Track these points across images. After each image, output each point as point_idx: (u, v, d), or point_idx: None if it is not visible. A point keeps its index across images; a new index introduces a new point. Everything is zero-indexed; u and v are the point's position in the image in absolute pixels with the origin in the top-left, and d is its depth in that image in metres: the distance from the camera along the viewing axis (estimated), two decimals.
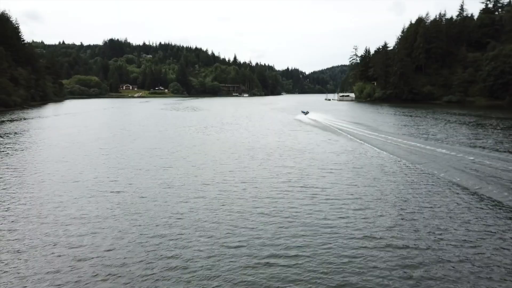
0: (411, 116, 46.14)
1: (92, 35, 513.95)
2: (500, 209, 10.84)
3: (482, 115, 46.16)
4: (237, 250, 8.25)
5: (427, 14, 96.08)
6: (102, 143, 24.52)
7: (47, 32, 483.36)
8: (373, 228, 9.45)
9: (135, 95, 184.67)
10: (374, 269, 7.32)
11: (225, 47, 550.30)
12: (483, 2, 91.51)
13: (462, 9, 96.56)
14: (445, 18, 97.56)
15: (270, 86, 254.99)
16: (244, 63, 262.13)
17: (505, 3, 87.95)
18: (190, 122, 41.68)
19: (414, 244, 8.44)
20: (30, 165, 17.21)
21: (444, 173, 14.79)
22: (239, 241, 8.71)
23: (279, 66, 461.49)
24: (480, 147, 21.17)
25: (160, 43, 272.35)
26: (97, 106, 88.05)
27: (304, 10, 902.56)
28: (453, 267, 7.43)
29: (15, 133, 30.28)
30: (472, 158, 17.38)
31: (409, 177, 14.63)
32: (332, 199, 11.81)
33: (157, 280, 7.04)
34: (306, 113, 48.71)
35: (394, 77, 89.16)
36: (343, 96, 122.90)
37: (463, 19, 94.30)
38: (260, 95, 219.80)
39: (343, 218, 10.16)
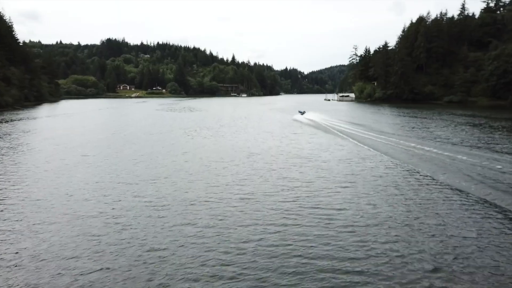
0: (416, 117, 44.29)
1: (91, 34, 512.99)
2: None
3: (489, 116, 44.51)
4: None
5: (428, 13, 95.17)
6: (84, 151, 22.04)
7: (46, 32, 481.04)
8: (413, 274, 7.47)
9: (132, 95, 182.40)
10: None
11: (225, 47, 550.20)
12: (484, 1, 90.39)
13: (463, 8, 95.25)
14: (446, 17, 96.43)
15: (269, 86, 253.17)
16: (243, 63, 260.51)
17: (507, 2, 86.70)
18: (186, 124, 39.58)
19: None
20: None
21: (474, 188, 12.83)
22: None
23: (280, 66, 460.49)
24: (506, 153, 19.23)
25: (158, 42, 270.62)
26: (92, 106, 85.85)
27: (304, 10, 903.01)
28: None
29: None
30: (499, 167, 15.47)
31: (432, 192, 12.68)
32: (351, 225, 9.62)
33: None
34: (303, 113, 48.65)
35: (395, 77, 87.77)
36: (343, 96, 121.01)
37: (464, 18, 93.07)
38: (259, 95, 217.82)
39: (367, 252, 8.11)
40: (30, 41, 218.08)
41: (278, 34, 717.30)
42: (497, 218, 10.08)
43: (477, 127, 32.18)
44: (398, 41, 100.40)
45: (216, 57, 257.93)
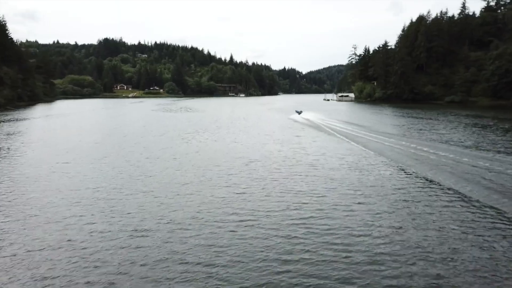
0: (421, 118, 42.65)
1: (88, 34, 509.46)
2: None
3: (495, 116, 43.12)
4: None
5: (428, 12, 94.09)
6: (65, 158, 20.24)
7: (44, 32, 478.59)
8: None
9: (129, 95, 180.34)
10: None
11: (225, 47, 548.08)
12: (485, 0, 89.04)
13: (464, 7, 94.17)
14: (447, 17, 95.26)
15: (267, 86, 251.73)
16: (241, 62, 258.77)
17: (507, 1, 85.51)
18: (181, 125, 37.68)
19: None
20: None
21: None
22: None
23: (279, 66, 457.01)
24: None
25: (155, 42, 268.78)
26: (88, 106, 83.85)
27: (304, 10, 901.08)
28: None
29: None
30: None
31: (469, 212, 10.98)
32: (377, 260, 7.73)
33: None
34: (299, 112, 49.17)
35: (395, 76, 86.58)
36: (342, 96, 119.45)
37: (465, 18, 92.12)
38: (257, 95, 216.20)
39: None
40: (27, 40, 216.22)
41: (278, 34, 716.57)
42: None
43: (487, 129, 30.55)
44: (398, 40, 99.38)
45: (214, 57, 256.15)
